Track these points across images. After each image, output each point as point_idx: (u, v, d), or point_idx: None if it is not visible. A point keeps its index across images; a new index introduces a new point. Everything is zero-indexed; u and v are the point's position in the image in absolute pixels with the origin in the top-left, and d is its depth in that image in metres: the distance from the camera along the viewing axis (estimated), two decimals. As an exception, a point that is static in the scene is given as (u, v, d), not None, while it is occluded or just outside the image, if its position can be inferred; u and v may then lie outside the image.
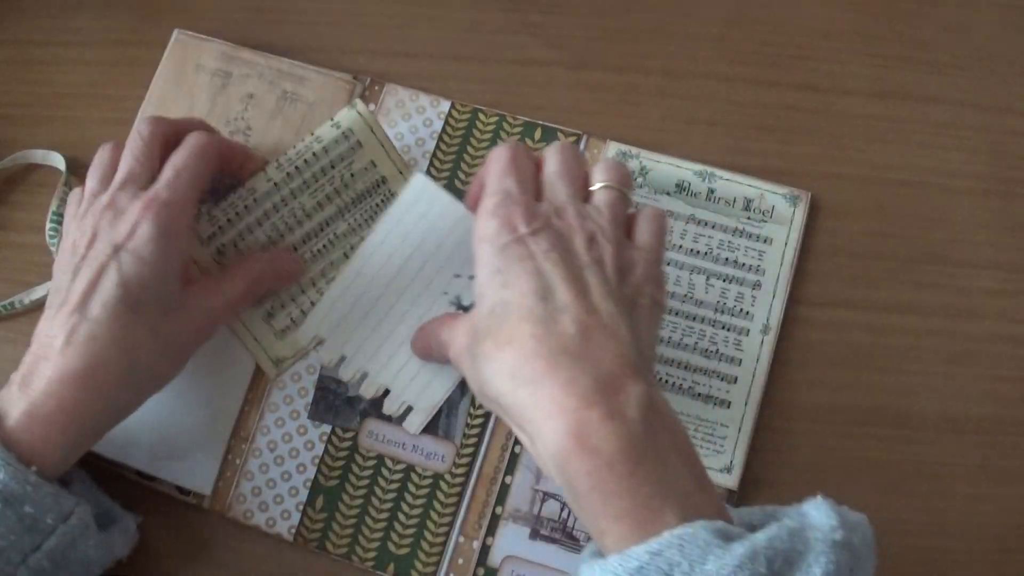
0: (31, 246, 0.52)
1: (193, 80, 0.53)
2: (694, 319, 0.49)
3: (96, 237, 0.41)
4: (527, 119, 0.53)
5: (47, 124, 0.55)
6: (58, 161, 0.53)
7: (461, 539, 0.47)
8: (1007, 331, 0.50)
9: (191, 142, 0.44)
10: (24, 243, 0.53)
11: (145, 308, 0.40)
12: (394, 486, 0.48)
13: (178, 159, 0.43)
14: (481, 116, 0.53)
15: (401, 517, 0.47)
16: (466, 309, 0.44)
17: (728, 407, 0.48)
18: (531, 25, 0.56)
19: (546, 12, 0.56)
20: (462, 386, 0.48)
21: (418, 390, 0.47)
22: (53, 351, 0.39)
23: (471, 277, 0.44)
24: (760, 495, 0.47)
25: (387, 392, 0.48)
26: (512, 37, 0.56)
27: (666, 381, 0.49)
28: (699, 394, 0.48)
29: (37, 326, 0.41)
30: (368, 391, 0.48)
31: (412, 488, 0.48)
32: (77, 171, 0.53)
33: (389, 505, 0.48)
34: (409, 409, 0.48)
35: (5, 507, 0.36)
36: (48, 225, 0.52)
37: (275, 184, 0.47)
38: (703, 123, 0.53)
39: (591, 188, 0.41)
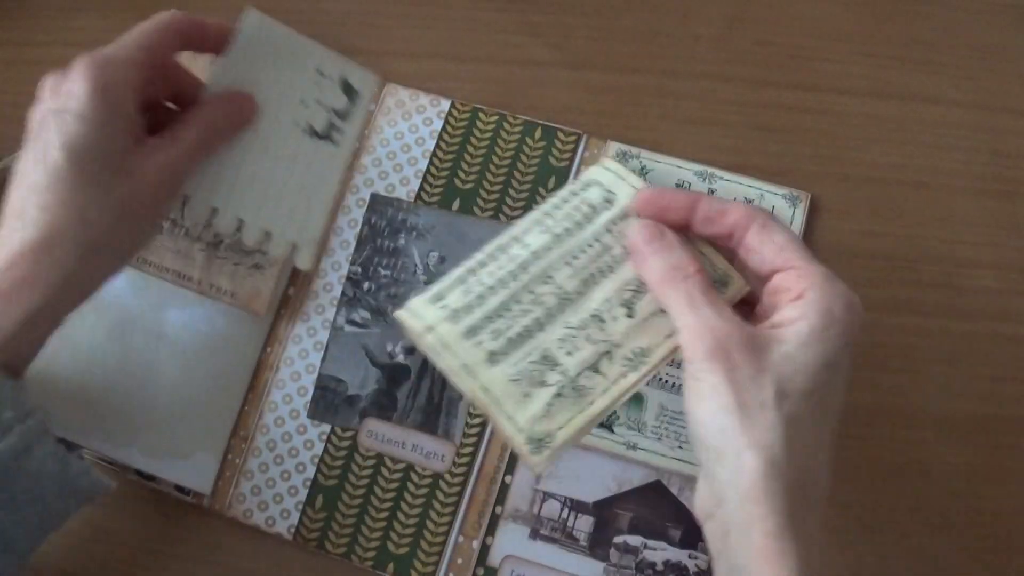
0: (31, 245, 0.52)
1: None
2: (694, 319, 0.49)
3: (39, 108, 0.40)
4: (527, 119, 0.53)
5: (47, 124, 0.54)
6: (58, 161, 0.53)
7: (461, 539, 0.47)
8: (1007, 331, 0.50)
9: (156, 15, 0.42)
10: (24, 242, 0.52)
11: (92, 169, 0.38)
12: (393, 485, 0.48)
13: (136, 27, 0.42)
14: (481, 116, 0.53)
15: (401, 516, 0.47)
16: (319, 134, 0.45)
17: (728, 407, 0.48)
18: (531, 25, 0.56)
19: (546, 12, 0.56)
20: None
21: (298, 225, 0.45)
22: (4, 230, 0.38)
23: (318, 101, 0.45)
24: (760, 495, 0.47)
25: (269, 235, 0.45)
26: (512, 37, 0.56)
27: (666, 381, 0.49)
28: (699, 394, 0.48)
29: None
30: (250, 238, 0.44)
31: (412, 487, 0.48)
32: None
33: (388, 504, 0.48)
34: (295, 247, 0.45)
35: None
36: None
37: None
38: (703, 123, 0.53)
39: None
